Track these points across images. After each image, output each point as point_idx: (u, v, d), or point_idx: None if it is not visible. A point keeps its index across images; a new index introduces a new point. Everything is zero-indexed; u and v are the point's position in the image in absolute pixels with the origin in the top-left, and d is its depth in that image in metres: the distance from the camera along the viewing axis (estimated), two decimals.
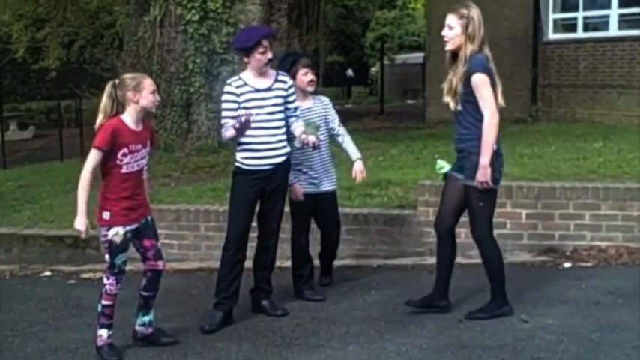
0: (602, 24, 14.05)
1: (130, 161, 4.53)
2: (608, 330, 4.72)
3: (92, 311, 5.56)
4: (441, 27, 4.96)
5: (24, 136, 20.77)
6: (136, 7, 12.25)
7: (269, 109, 5.14)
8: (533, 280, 5.83)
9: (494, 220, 6.54)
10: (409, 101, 28.40)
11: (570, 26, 14.66)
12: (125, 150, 4.50)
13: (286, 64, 5.61)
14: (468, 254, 6.55)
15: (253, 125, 5.03)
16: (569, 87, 14.27)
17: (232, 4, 11.34)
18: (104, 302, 4.65)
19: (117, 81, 4.58)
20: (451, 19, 4.85)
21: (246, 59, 5.16)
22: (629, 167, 7.63)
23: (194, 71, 11.51)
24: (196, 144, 11.68)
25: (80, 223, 4.48)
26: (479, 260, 6.44)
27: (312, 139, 5.20)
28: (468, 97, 4.79)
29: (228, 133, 5.11)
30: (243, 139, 5.14)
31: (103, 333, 4.68)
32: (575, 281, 5.71)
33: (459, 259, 6.47)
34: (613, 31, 13.78)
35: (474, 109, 4.79)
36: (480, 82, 4.73)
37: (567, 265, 6.20)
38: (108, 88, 4.55)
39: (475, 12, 4.83)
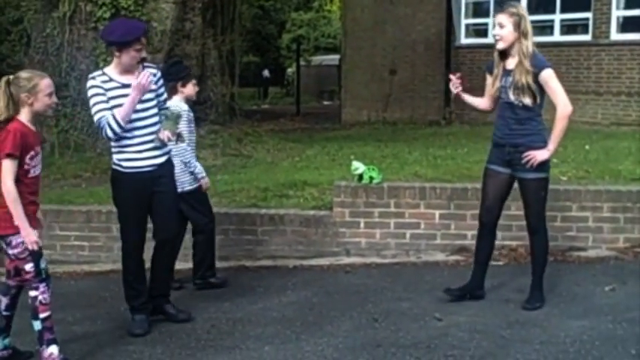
0: None
1: (36, 164, 4.27)
2: (518, 327, 4.84)
3: None
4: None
5: None
6: (44, 2, 11.89)
7: (142, 105, 4.82)
8: (446, 279, 5.92)
9: (410, 221, 6.69)
10: (325, 102, 28.56)
11: (482, 31, 15.04)
12: (32, 153, 4.23)
13: (179, 71, 5.79)
14: (383, 254, 6.63)
15: (129, 126, 4.78)
16: (481, 90, 14.58)
17: (145, 2, 11.15)
18: (43, 315, 4.26)
19: (11, 78, 4.24)
20: (502, 18, 4.99)
21: (117, 54, 4.80)
22: None
23: None
24: (108, 143, 11.41)
25: (31, 236, 4.15)
26: (394, 260, 6.55)
27: (166, 133, 4.89)
28: (534, 92, 4.94)
29: (121, 112, 4.69)
30: (121, 141, 4.84)
31: (54, 350, 4.29)
32: (487, 280, 5.81)
33: (374, 259, 6.58)
34: None
35: (535, 104, 4.97)
36: (550, 76, 4.94)
37: None
38: (1, 85, 4.20)
39: (523, 10, 5.02)
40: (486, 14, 14.85)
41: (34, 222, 4.27)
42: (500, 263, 6.33)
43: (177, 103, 5.58)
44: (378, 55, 16.89)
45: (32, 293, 4.29)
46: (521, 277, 5.86)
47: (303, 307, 5.41)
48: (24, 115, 4.24)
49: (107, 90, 4.82)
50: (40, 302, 4.27)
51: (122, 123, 4.73)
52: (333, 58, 29.32)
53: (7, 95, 4.19)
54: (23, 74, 4.30)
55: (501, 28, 5.00)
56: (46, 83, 4.26)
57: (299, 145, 11.74)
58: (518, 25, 4.95)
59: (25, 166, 4.22)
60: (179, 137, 5.13)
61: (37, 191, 4.37)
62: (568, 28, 13.64)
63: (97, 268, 6.60)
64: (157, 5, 11.23)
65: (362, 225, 6.69)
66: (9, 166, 4.13)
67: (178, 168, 5.46)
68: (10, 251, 4.26)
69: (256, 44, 34.67)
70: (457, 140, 11.19)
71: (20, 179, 4.20)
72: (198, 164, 5.73)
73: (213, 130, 11.47)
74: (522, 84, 4.93)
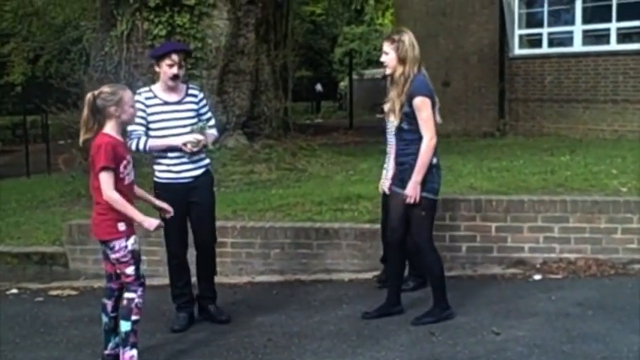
0: (567, 39, 14.27)
1: (129, 172, 4.57)
2: (578, 341, 4.75)
3: (60, 329, 5.50)
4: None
5: None
6: (102, 21, 12.14)
7: (183, 122, 5.23)
8: (504, 292, 5.86)
9: (466, 234, 6.63)
10: (378, 116, 28.38)
11: (536, 41, 14.87)
12: (125, 162, 4.51)
13: None
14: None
15: (167, 141, 5.19)
16: (536, 101, 14.45)
17: (200, 20, 11.28)
18: (135, 318, 4.52)
19: (96, 93, 4.48)
20: (385, 46, 5.21)
21: (157, 69, 5.27)
22: (596, 180, 7.72)
23: None
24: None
25: (151, 221, 4.50)
26: (450, 273, 6.49)
27: (189, 143, 5.17)
28: (410, 115, 5.07)
29: (153, 143, 5.19)
30: (161, 154, 5.26)
31: (135, 353, 4.54)
32: (545, 293, 5.76)
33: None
34: (577, 46, 14.00)
35: (415, 127, 5.08)
36: (422, 104, 5.05)
37: (537, 277, 6.25)
38: (89, 101, 4.44)
39: (406, 36, 5.15)
40: (540, 24, 14.69)
41: (132, 226, 4.54)
42: (559, 276, 6.24)
43: None
44: (431, 68, 16.61)
45: (130, 295, 4.53)
46: (580, 290, 5.78)
47: (359, 320, 5.40)
48: (110, 128, 4.49)
49: (149, 106, 5.24)
50: (136, 305, 4.53)
51: (147, 150, 5.21)
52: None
53: (95, 110, 4.44)
54: (107, 89, 4.54)
55: (385, 55, 5.19)
56: (129, 95, 4.56)
57: (353, 158, 11.75)
58: (397, 51, 5.10)
59: (121, 175, 4.49)
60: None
61: (133, 197, 4.65)
62: (624, 36, 13.39)
63: (156, 282, 6.67)
64: (211, 22, 11.36)
65: None
66: (106, 178, 4.41)
67: None
68: (113, 255, 4.50)
69: (309, 59, 34.80)
70: (512, 152, 11.06)
71: (118, 188, 4.46)
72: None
73: (267, 144, 11.55)
74: (394, 108, 5.11)
